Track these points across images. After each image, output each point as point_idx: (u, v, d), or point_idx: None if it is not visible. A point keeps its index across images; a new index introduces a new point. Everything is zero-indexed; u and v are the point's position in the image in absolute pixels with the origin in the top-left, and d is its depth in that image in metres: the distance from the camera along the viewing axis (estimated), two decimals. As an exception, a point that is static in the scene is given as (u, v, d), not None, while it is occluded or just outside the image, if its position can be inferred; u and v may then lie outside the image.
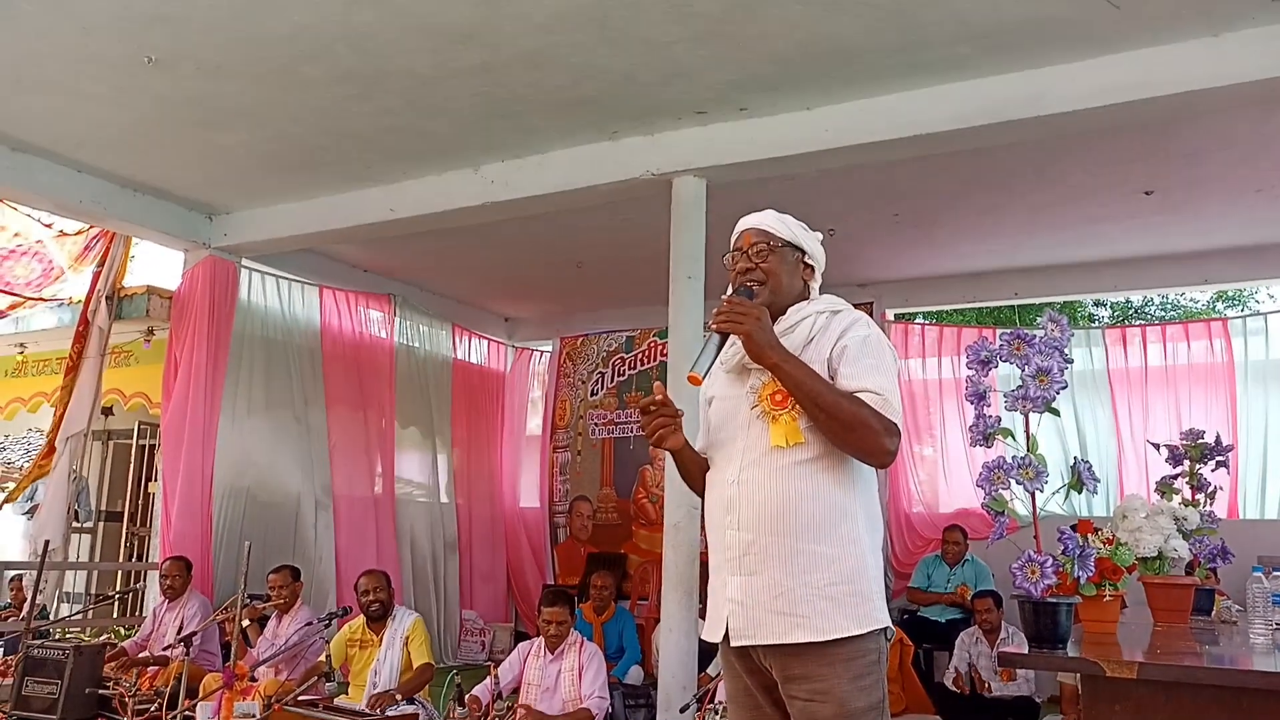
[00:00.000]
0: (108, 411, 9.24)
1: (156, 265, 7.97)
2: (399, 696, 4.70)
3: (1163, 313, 15.00)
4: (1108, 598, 2.70)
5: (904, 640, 6.50)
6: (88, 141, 5.80)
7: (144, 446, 9.34)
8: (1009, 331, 2.52)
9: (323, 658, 5.28)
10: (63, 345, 7.73)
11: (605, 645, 6.52)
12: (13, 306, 8.65)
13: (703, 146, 5.40)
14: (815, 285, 2.32)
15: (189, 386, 6.76)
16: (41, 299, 8.36)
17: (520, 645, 4.97)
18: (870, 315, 8.58)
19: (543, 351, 10.27)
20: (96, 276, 7.39)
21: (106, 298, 7.26)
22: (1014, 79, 4.67)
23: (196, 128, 5.55)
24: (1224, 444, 3.91)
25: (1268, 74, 4.23)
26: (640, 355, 9.34)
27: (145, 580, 7.43)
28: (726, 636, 2.12)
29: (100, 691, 5.54)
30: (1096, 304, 14.89)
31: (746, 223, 2.31)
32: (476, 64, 4.72)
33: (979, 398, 2.52)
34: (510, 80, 4.89)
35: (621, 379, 9.40)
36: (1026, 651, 2.47)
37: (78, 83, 5.02)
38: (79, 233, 7.93)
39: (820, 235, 2.33)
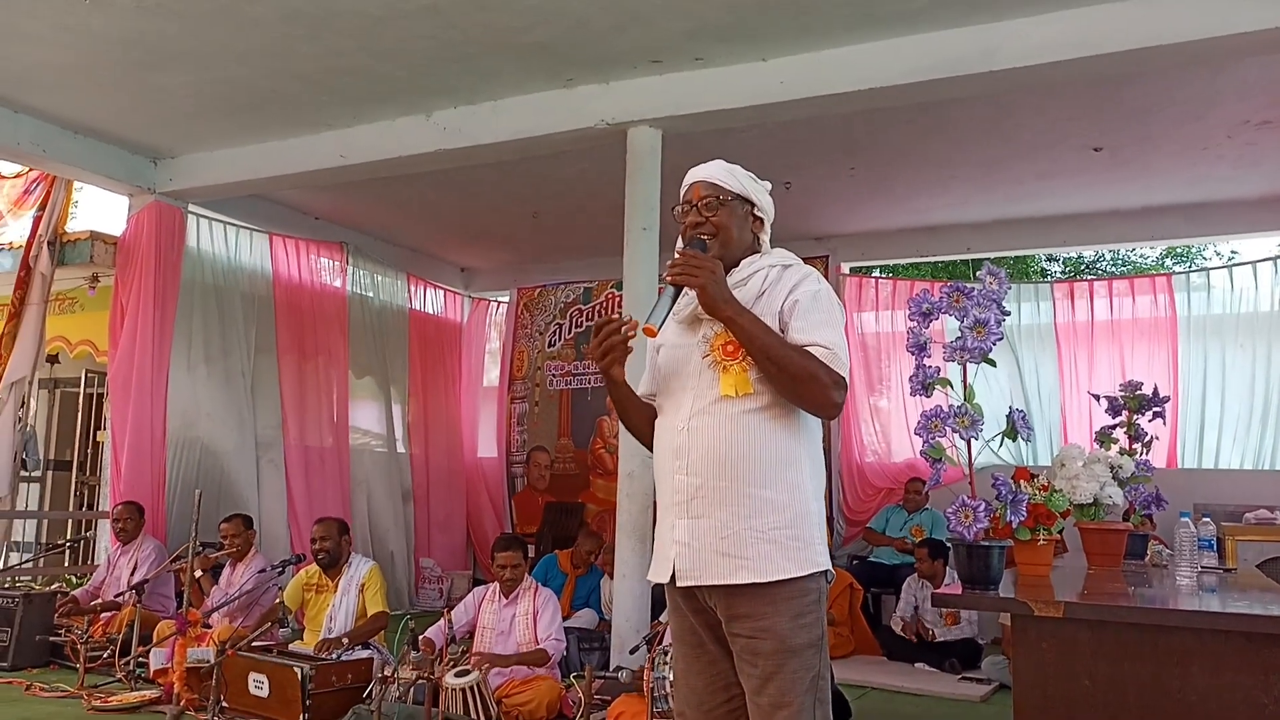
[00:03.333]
0: (53, 359, 9.06)
1: (100, 210, 7.79)
2: (346, 641, 4.73)
3: (1114, 268, 15.24)
4: (1042, 542, 2.80)
5: (854, 585, 6.68)
6: (25, 81, 5.61)
7: (92, 394, 9.18)
8: (949, 285, 2.57)
9: (278, 602, 5.29)
10: (4, 291, 7.53)
11: (574, 596, 6.67)
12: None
13: (658, 96, 5.36)
14: (765, 237, 2.32)
15: (136, 334, 6.65)
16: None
17: (475, 590, 5.02)
18: (826, 268, 8.58)
19: (500, 302, 10.21)
20: (37, 221, 7.19)
21: (48, 243, 7.09)
22: (966, 34, 4.69)
23: (138, 68, 5.38)
24: (1161, 396, 4.04)
25: (1213, 33, 4.29)
26: (598, 307, 9.34)
27: (95, 528, 7.36)
28: (673, 578, 2.17)
29: (51, 639, 5.54)
30: (1049, 259, 15.10)
31: (695, 174, 2.30)
32: (427, 4, 4.62)
33: (920, 349, 2.58)
34: (462, 22, 4.80)
35: (579, 330, 9.41)
36: (960, 592, 2.56)
37: (14, 20, 4.84)
38: (17, 176, 7.69)
39: (769, 185, 2.33)
